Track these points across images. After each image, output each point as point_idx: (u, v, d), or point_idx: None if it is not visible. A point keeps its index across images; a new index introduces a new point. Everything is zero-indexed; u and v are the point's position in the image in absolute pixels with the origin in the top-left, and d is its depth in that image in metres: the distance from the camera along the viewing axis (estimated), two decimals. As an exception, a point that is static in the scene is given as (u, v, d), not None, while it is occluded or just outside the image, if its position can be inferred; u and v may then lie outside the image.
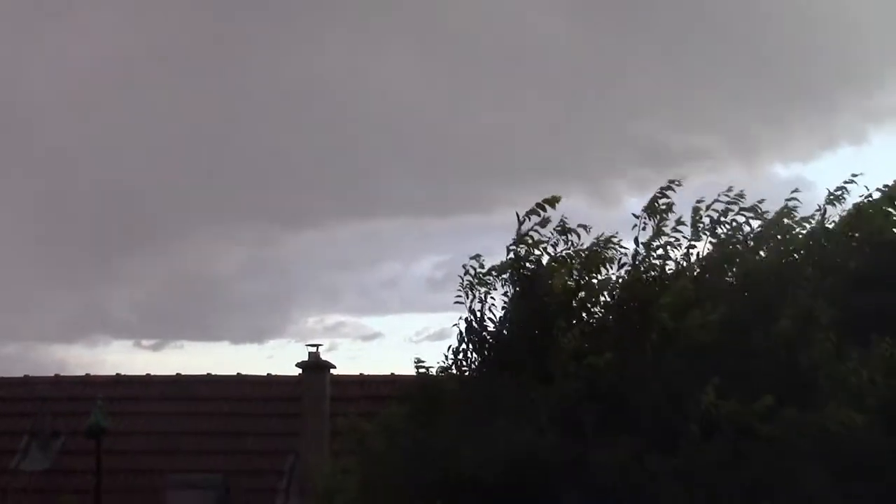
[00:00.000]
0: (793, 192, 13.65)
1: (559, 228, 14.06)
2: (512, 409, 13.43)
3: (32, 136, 34.77)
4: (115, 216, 35.57)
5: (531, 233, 14.07)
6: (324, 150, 35.53)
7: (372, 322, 53.86)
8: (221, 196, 36.54)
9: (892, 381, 11.45)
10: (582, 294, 14.18)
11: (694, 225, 13.85)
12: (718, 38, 33.77)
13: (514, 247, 14.10)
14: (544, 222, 13.98)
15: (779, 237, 13.47)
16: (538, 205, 14.12)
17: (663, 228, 13.66)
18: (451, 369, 14.86)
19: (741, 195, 13.70)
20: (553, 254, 14.18)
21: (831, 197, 13.50)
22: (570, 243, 14.12)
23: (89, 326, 43.47)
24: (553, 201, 14.07)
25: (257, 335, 45.62)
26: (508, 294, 14.41)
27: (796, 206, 13.57)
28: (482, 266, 14.32)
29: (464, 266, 14.46)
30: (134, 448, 24.09)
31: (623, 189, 36.18)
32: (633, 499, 12.03)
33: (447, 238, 44.94)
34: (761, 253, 13.66)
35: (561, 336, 13.49)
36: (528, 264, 14.17)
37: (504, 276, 14.23)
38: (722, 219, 13.71)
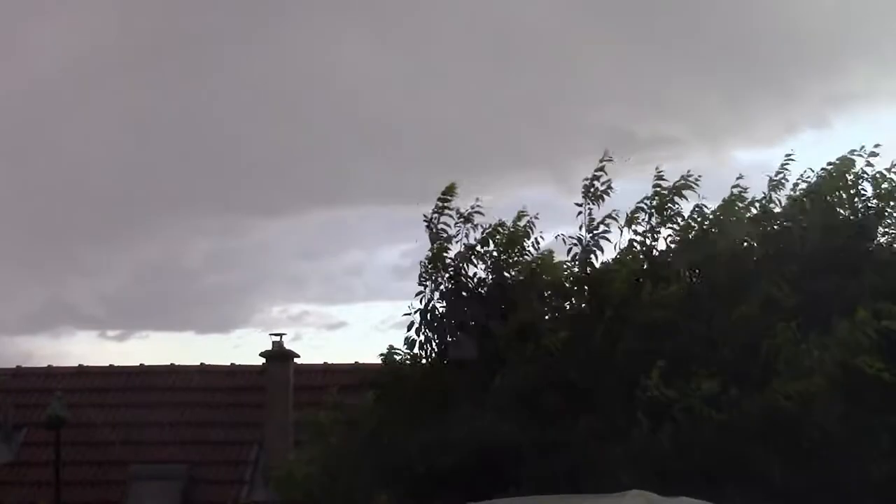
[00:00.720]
0: (738, 178, 13.73)
1: (462, 218, 14.13)
2: (469, 395, 13.47)
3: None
4: (79, 208, 35.36)
5: (441, 227, 14.14)
6: (287, 140, 35.37)
7: (337, 311, 53.67)
8: (185, 187, 36.36)
9: (847, 360, 11.48)
10: (509, 277, 14.21)
11: (631, 215, 13.90)
12: (682, 25, 33.81)
13: (431, 247, 14.15)
14: (442, 211, 14.02)
15: (732, 220, 13.51)
16: (440, 198, 14.16)
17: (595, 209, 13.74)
18: (408, 359, 14.91)
19: (688, 179, 13.74)
20: (467, 243, 14.24)
21: (773, 182, 13.55)
22: (479, 228, 14.19)
23: (54, 318, 43.20)
24: (451, 190, 14.13)
25: (222, 325, 45.42)
26: (442, 289, 14.45)
27: (747, 190, 13.62)
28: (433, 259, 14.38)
29: (421, 262, 14.49)
30: (97, 439, 23.99)
31: (588, 173, 36.14)
32: (591, 481, 12.06)
33: (413, 226, 44.70)
34: (714, 231, 13.67)
35: (496, 325, 13.50)
36: (447, 259, 14.22)
37: (434, 273, 14.27)
38: (669, 204, 13.73)
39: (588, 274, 13.76)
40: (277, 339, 24.56)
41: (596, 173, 13.76)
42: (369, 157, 35.83)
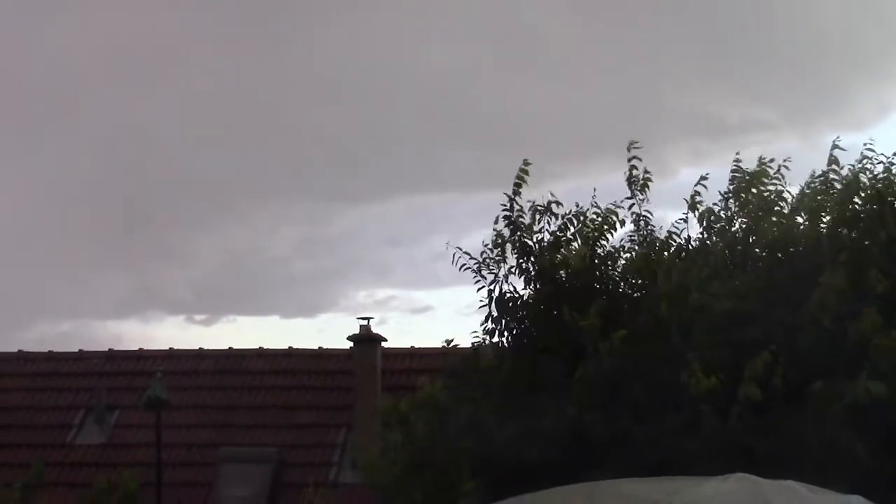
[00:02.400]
0: (829, 161, 13.51)
1: (541, 208, 14.03)
2: (551, 386, 13.36)
3: (86, 114, 35.07)
4: (170, 194, 35.82)
5: (518, 213, 14.06)
6: (374, 127, 35.52)
7: (423, 295, 53.92)
8: (274, 175, 36.68)
9: None
10: (595, 269, 14.12)
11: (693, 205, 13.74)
12: (774, 8, 33.35)
13: (510, 230, 14.06)
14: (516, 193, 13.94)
15: (814, 204, 13.29)
16: (517, 179, 14.09)
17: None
18: (484, 346, 14.83)
19: (767, 164, 13.57)
20: (551, 231, 14.18)
21: (858, 166, 13.31)
22: (565, 220, 14.12)
23: (143, 303, 43.84)
24: (523, 175, 14.03)
25: (308, 310, 45.80)
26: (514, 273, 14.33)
27: (833, 174, 13.40)
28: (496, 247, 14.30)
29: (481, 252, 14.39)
30: (187, 422, 24.22)
31: (680, 160, 35.85)
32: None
33: (498, 211, 44.64)
34: (798, 219, 13.48)
35: (578, 315, 13.36)
36: (528, 243, 14.13)
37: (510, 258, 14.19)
38: (743, 194, 13.57)
39: (663, 260, 13.65)
40: (364, 322, 24.64)
41: (633, 163, 13.69)
42: (455, 144, 35.88)
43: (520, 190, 14.18)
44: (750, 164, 13.70)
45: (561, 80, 34.58)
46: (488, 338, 14.65)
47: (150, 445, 21.43)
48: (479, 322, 14.61)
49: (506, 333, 14.43)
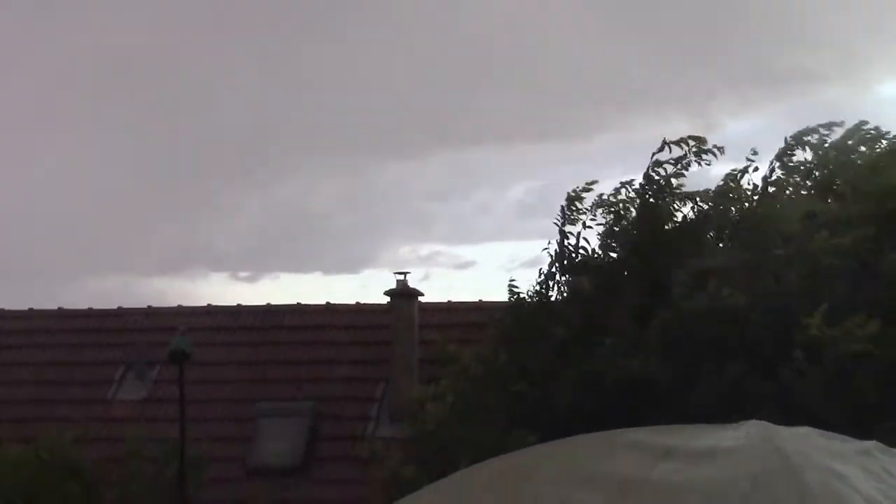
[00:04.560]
0: None
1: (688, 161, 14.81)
2: (617, 332, 13.43)
3: (133, 70, 35.13)
4: (212, 150, 35.91)
5: (664, 166, 14.44)
6: (413, 81, 35.42)
7: (465, 251, 53.85)
8: (315, 129, 36.67)
9: None
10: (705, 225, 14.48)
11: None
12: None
13: (651, 171, 14.43)
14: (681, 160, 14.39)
15: None
16: (683, 139, 14.49)
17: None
18: (543, 294, 14.97)
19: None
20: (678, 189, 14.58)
21: None
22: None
23: (187, 259, 44.07)
24: (702, 140, 14.52)
25: (351, 266, 45.84)
26: (610, 221, 14.66)
27: None
28: (581, 195, 14.64)
29: (570, 193, 14.69)
30: (225, 378, 24.41)
31: (726, 111, 35.54)
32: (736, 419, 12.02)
33: (538, 165, 44.63)
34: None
35: (685, 259, 13.66)
36: (654, 189, 14.50)
37: (622, 200, 14.57)
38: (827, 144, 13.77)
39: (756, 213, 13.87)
40: (402, 277, 24.66)
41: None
42: (495, 97, 35.68)
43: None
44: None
45: (601, 30, 34.28)
46: (545, 288, 14.94)
47: (189, 401, 21.56)
48: (538, 275, 15.02)
49: (564, 279, 14.77)
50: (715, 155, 14.58)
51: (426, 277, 42.94)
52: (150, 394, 24.85)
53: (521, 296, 15.66)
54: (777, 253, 13.38)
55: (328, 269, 44.11)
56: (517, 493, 5.41)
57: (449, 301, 25.99)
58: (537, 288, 15.49)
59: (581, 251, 15.16)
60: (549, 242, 15.31)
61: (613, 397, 13.18)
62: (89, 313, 26.92)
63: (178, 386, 20.02)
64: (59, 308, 27.19)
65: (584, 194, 15.20)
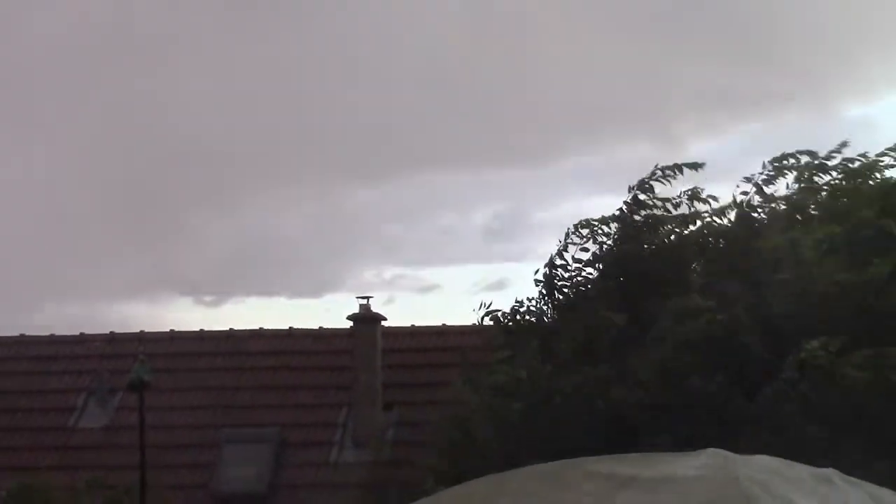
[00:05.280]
0: None
1: (689, 193, 15.46)
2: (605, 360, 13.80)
3: (95, 93, 34.97)
4: (179, 175, 35.78)
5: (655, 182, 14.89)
6: (379, 104, 35.45)
7: (430, 274, 53.83)
8: (280, 153, 36.61)
9: None
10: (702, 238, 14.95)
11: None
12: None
13: (638, 191, 14.88)
14: (667, 174, 14.81)
15: None
16: (676, 166, 14.99)
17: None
18: (535, 311, 15.48)
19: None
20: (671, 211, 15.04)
21: None
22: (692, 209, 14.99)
23: (152, 285, 43.81)
24: (695, 166, 15.01)
25: (315, 290, 45.72)
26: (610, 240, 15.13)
27: None
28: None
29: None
30: (189, 403, 24.29)
31: (689, 132, 35.79)
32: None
33: (503, 188, 44.76)
34: None
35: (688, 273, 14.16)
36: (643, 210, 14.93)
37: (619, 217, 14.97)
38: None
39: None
40: (364, 301, 24.63)
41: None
42: (460, 120, 35.77)
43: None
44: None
45: (568, 53, 34.42)
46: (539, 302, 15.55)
47: (152, 427, 21.43)
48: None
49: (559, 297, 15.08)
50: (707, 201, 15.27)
51: (390, 301, 42.90)
52: (112, 421, 24.67)
53: (508, 319, 16.20)
54: (777, 279, 13.84)
55: (293, 294, 44.04)
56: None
57: (413, 325, 25.96)
58: (531, 309, 16.10)
59: (568, 277, 15.71)
60: (536, 271, 15.88)
61: (599, 425, 13.54)
62: (51, 340, 26.73)
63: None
64: (21, 335, 26.96)
65: (582, 230, 15.80)
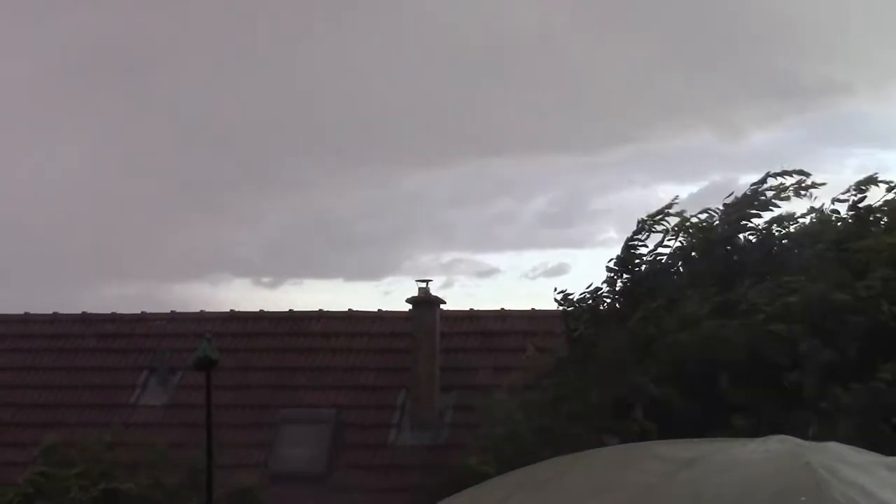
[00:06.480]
0: None
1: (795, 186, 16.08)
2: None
3: (157, 76, 35.25)
4: (238, 158, 36.01)
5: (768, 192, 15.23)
6: (438, 91, 35.45)
7: (488, 258, 53.83)
8: (340, 138, 36.72)
9: None
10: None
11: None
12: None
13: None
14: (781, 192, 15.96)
15: None
16: (787, 172, 15.34)
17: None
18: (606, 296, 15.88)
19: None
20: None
21: None
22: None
23: (211, 265, 44.18)
24: (815, 186, 15.21)
25: (373, 273, 45.88)
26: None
27: None
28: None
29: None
30: (248, 383, 24.40)
31: (751, 122, 35.53)
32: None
33: (561, 174, 44.66)
34: None
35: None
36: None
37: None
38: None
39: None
40: (423, 285, 24.61)
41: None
42: (519, 107, 35.69)
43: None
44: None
45: (624, 41, 34.25)
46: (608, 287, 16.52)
47: (212, 406, 21.51)
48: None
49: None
50: (815, 186, 15.47)
51: (448, 284, 42.88)
52: (172, 400, 24.85)
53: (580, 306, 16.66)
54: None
55: (350, 276, 44.12)
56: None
57: (471, 309, 25.91)
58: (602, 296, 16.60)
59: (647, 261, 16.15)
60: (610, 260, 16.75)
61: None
62: (112, 318, 26.96)
63: (201, 392, 19.96)
64: (84, 313, 27.22)
65: (664, 218, 16.11)
